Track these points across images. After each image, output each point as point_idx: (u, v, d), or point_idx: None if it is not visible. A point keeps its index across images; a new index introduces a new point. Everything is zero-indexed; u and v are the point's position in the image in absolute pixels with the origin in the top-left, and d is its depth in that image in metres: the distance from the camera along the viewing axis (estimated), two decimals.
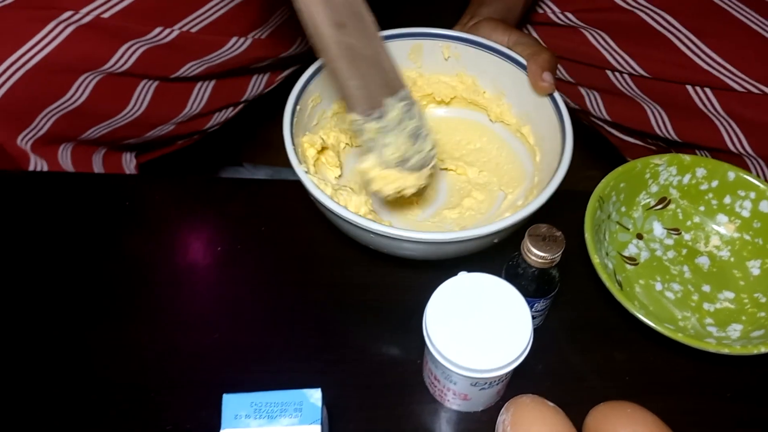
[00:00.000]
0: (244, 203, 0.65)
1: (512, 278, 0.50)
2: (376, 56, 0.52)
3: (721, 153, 0.71)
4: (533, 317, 0.52)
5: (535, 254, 0.47)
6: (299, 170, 0.51)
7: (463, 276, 0.48)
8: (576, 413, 0.47)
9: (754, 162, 0.69)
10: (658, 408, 0.46)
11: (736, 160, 0.70)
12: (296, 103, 0.56)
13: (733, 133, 0.68)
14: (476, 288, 0.47)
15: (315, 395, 0.42)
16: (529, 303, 0.49)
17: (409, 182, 0.55)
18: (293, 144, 0.53)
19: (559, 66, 0.82)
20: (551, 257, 0.47)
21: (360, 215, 0.49)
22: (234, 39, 0.72)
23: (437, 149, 0.57)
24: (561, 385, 0.53)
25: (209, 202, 0.65)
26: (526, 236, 0.47)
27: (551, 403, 0.47)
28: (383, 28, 0.59)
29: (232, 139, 1.13)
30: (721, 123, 0.68)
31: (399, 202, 0.61)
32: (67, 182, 0.66)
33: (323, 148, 0.59)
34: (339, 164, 0.61)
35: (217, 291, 0.58)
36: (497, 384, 0.47)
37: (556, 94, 0.57)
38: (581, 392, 0.53)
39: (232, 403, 0.42)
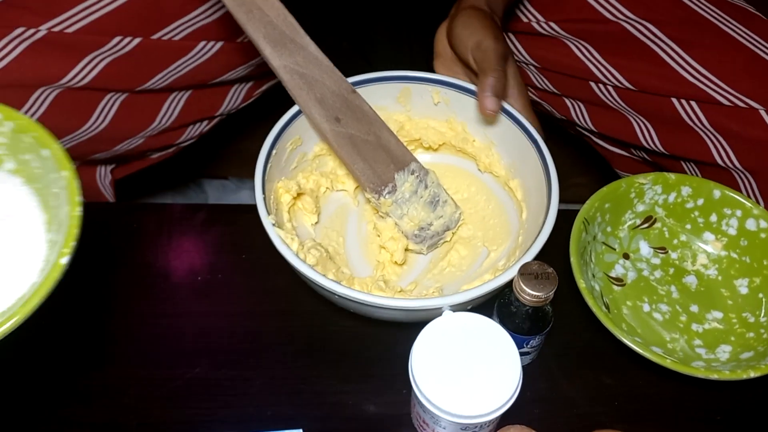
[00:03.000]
0: (224, 230, 0.63)
1: (504, 317, 0.49)
2: (377, 140, 0.56)
3: (709, 166, 0.70)
4: (528, 353, 0.51)
5: (529, 294, 0.45)
6: (267, 222, 0.50)
7: (448, 315, 0.46)
8: None
9: (742, 176, 0.68)
10: None
11: (725, 174, 0.69)
12: (272, 148, 0.54)
13: (721, 147, 0.67)
14: (462, 328, 0.45)
15: None
16: (523, 340, 0.48)
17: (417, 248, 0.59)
18: (263, 192, 0.52)
19: (542, 77, 0.81)
20: (545, 296, 0.45)
21: (328, 277, 0.48)
22: (202, 43, 0.70)
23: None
24: (550, 412, 0.52)
25: (188, 230, 0.63)
26: (517, 275, 0.46)
27: None
28: (374, 69, 0.60)
29: (216, 152, 1.11)
30: (708, 137, 0.68)
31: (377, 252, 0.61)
32: None
33: (299, 194, 0.58)
34: (316, 210, 0.59)
35: (197, 324, 0.57)
36: (488, 427, 0.46)
37: (543, 148, 0.55)
38: (570, 420, 0.52)
39: None
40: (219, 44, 0.71)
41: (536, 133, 0.56)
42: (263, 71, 0.81)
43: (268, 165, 0.54)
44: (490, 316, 0.48)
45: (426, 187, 0.58)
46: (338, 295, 0.47)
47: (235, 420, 0.51)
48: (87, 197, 0.74)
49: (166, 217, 0.65)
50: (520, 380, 0.44)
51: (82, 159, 0.73)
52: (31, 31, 0.58)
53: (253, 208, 0.67)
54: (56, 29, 0.59)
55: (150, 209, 0.66)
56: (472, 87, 0.58)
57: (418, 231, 0.58)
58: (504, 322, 0.48)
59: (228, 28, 0.70)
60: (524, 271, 0.46)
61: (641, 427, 0.47)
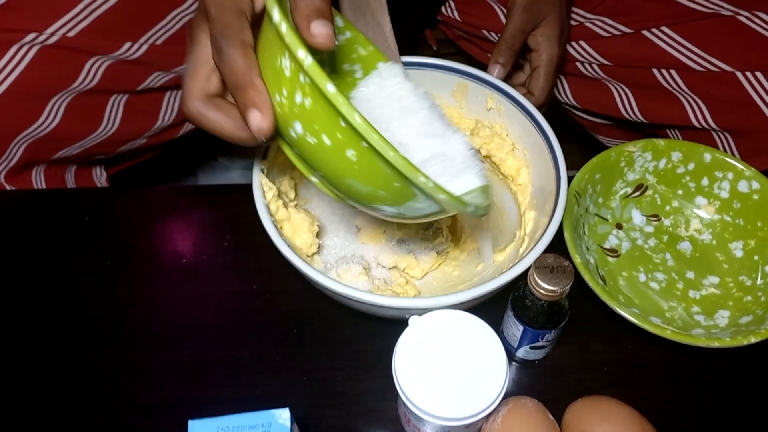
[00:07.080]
0: (207, 211, 0.62)
1: (519, 310, 0.47)
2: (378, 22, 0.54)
3: (689, 130, 0.70)
4: (543, 347, 0.49)
5: (544, 288, 0.43)
6: (256, 167, 0.48)
7: (435, 312, 0.44)
8: (556, 408, 0.46)
9: (721, 136, 0.68)
10: (637, 397, 0.45)
11: (704, 136, 0.69)
12: None
13: (697, 107, 0.67)
14: (448, 325, 0.43)
15: (283, 415, 0.40)
16: (538, 334, 0.47)
17: (406, 264, 0.56)
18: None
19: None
20: (561, 290, 0.43)
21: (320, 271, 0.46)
22: None
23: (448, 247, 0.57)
24: (538, 379, 0.52)
25: (171, 212, 0.62)
26: (532, 269, 0.43)
27: (531, 400, 0.45)
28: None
29: (205, 136, 1.09)
30: (686, 99, 0.68)
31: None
32: (25, 201, 0.62)
33: None
34: None
35: (183, 306, 0.56)
36: (476, 424, 0.44)
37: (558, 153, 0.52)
38: (560, 386, 0.51)
39: (197, 429, 0.39)
40: None
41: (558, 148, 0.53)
42: None
43: None
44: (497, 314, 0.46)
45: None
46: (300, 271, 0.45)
47: (224, 400, 0.50)
48: None
49: (147, 202, 0.63)
50: (507, 379, 0.41)
51: (84, 161, 0.72)
52: (43, 36, 0.57)
53: (238, 188, 0.65)
54: (60, 32, 0.57)
55: (132, 192, 0.63)
56: (533, 111, 0.54)
57: (397, 241, 0.57)
58: (518, 316, 0.46)
59: None
60: (539, 265, 0.43)
61: (630, 391, 0.46)
